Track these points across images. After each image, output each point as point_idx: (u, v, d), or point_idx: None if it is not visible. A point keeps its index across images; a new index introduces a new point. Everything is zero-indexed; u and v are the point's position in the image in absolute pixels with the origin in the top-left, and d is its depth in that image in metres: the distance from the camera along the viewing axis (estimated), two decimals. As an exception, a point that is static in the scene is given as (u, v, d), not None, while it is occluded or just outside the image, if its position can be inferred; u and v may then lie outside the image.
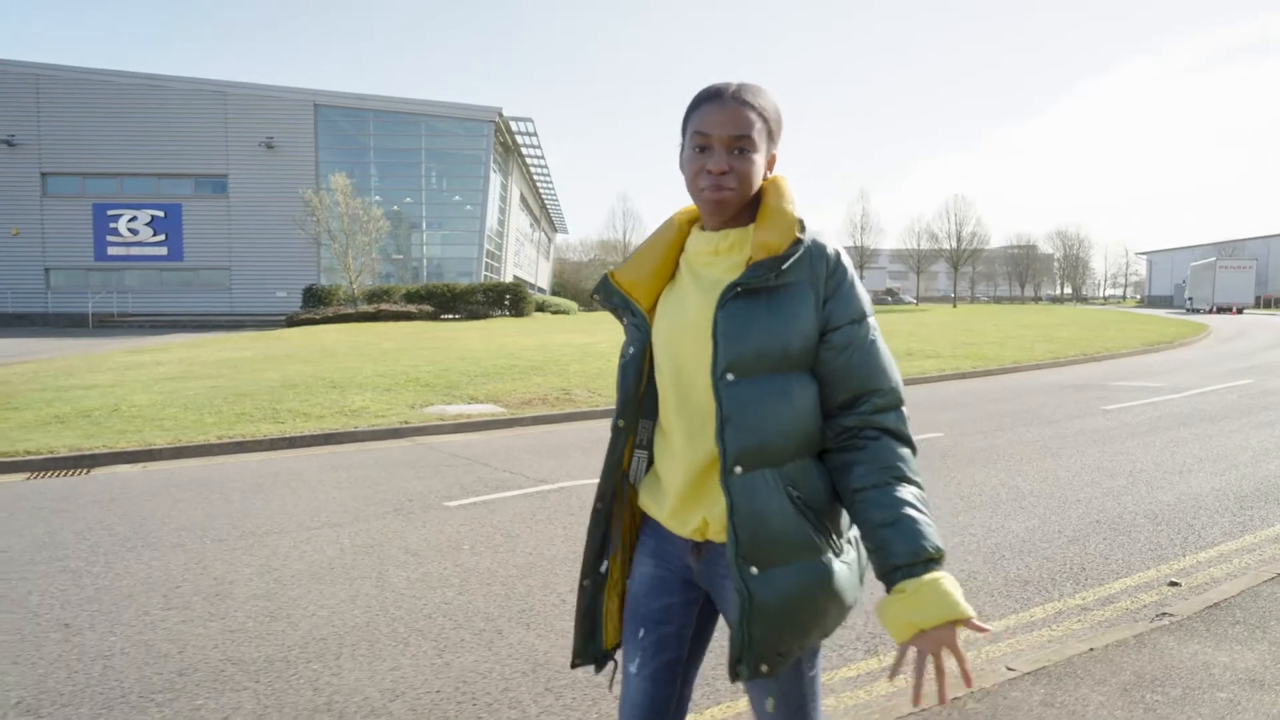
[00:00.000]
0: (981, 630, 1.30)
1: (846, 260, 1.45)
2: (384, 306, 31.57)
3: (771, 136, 1.48)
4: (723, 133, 1.41)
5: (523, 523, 5.17)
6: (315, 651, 3.31)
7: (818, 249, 1.42)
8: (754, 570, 1.36)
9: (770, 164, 1.50)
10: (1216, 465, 6.48)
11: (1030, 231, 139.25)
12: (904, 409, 1.46)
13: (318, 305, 32.75)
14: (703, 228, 1.55)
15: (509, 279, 44.36)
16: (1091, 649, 2.99)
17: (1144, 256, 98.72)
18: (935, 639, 1.28)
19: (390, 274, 40.16)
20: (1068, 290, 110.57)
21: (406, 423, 9.01)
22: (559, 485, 6.17)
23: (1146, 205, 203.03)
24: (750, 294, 1.40)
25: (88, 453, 7.54)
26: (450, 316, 33.33)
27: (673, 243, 1.58)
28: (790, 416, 1.39)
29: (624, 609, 1.62)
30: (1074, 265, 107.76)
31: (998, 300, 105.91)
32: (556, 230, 77.84)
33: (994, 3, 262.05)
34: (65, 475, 7.03)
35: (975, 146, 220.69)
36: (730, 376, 1.38)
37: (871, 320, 1.45)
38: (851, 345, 1.41)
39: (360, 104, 40.34)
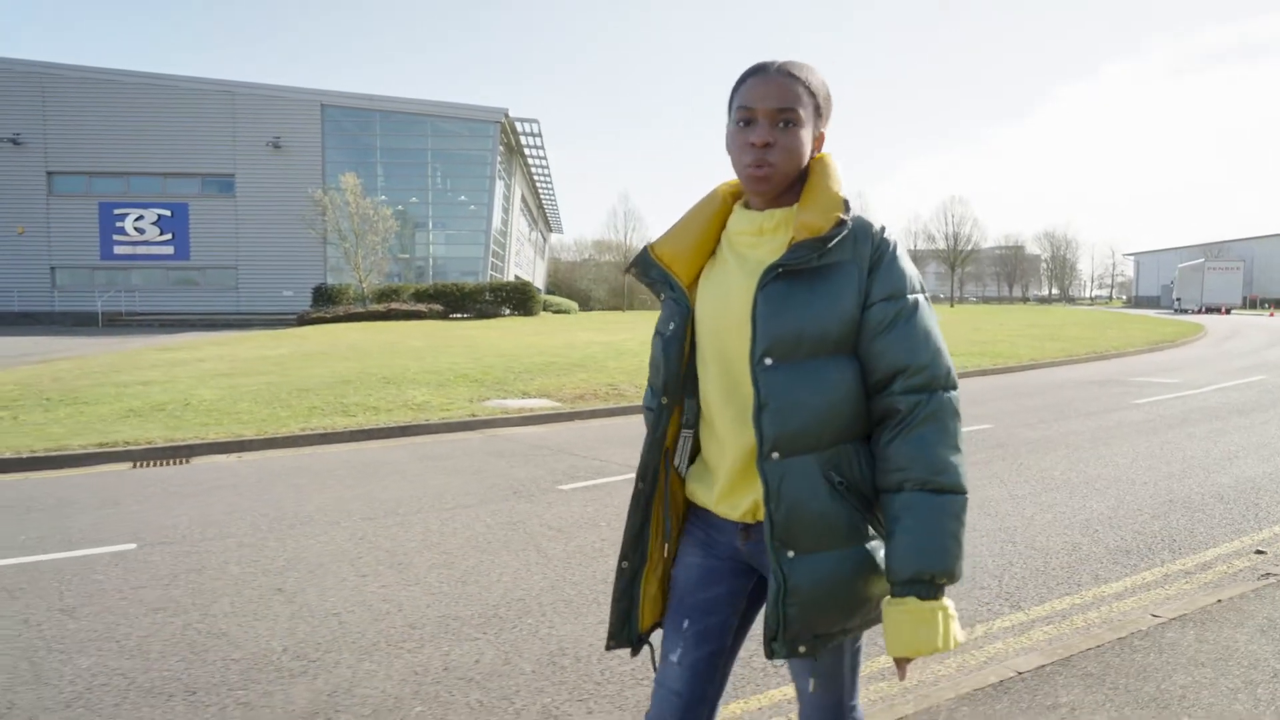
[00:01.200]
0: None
1: (891, 235, 1.41)
2: (394, 306, 31.86)
3: (819, 113, 1.44)
4: (767, 105, 1.38)
5: (642, 503, 5.56)
6: (520, 610, 3.70)
7: (862, 228, 1.39)
8: (790, 554, 1.36)
9: (818, 143, 1.47)
10: (1260, 453, 6.96)
11: (1019, 232, 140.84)
12: (945, 393, 1.38)
13: (328, 304, 33.00)
14: (747, 205, 1.51)
15: (511, 278, 44.70)
16: (1219, 600, 3.43)
17: (1131, 258, 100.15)
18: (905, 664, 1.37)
19: (396, 273, 40.43)
20: (1055, 291, 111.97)
21: (475, 416, 9.39)
22: (655, 471, 6.55)
23: (1134, 207, 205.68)
24: (791, 275, 1.37)
25: (183, 443, 7.88)
26: (459, 316, 33.65)
27: (715, 217, 1.53)
28: (829, 402, 1.36)
29: (670, 596, 1.60)
30: (1061, 266, 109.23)
31: (986, 301, 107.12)
32: (551, 230, 78.16)
33: (985, 5, 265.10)
34: (168, 464, 7.38)
35: (965, 147, 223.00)
36: (768, 361, 1.35)
37: (913, 297, 1.39)
38: (885, 322, 1.36)
39: (367, 104, 40.59)
